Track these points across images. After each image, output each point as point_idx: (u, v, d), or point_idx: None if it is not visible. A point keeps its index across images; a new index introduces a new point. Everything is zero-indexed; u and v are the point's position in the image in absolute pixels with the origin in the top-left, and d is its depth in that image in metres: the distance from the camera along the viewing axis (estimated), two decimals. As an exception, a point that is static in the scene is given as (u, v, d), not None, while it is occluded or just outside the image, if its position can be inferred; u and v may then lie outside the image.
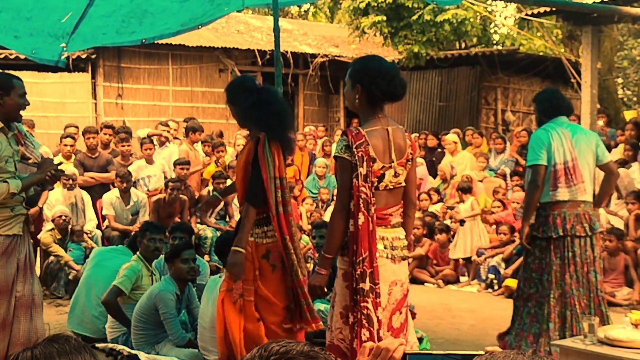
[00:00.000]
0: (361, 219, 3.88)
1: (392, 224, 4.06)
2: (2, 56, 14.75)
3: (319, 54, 18.08)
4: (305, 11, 27.31)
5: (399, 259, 4.07)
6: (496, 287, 9.22)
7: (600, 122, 11.54)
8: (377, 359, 1.67)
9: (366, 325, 3.89)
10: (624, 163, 10.33)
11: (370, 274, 3.89)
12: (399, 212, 4.11)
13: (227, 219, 10.38)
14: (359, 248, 3.90)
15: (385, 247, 4.02)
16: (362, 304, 3.89)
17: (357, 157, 3.91)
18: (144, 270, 6.28)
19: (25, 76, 14.56)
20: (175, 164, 10.01)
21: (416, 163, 4.22)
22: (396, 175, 4.02)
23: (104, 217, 9.73)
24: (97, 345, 6.19)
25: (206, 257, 9.72)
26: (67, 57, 7.06)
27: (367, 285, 3.88)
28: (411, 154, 4.09)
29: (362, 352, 1.71)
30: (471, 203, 10.18)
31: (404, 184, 4.09)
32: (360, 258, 3.90)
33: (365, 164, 3.90)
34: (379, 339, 3.78)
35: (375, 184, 3.96)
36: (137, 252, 6.43)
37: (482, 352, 1.46)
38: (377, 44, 18.61)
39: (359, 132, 3.99)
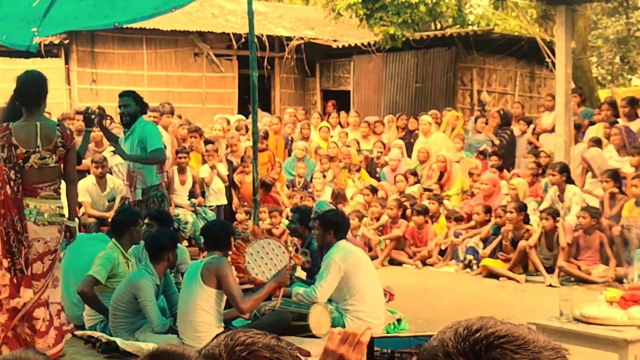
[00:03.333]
0: (8, 190, 5.11)
1: (42, 196, 5.22)
2: (-27, 42, 14.55)
3: (294, 36, 17.98)
4: (280, -7, 27.12)
5: (43, 223, 5.21)
6: (475, 267, 9.28)
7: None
8: (344, 344, 1.68)
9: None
10: (598, 142, 10.40)
11: (14, 231, 5.11)
12: (52, 188, 5.29)
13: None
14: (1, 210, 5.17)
15: (30, 213, 5.18)
16: (4, 253, 5.16)
17: (0, 145, 5.13)
18: (120, 258, 6.20)
19: (-2, 62, 14.47)
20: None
21: (74, 150, 5.44)
22: (42, 158, 5.18)
23: (80, 204, 9.64)
24: (76, 332, 6.15)
25: (185, 243, 9.69)
26: (40, 43, 6.97)
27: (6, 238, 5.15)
28: (61, 142, 5.22)
29: (330, 337, 1.72)
30: None
31: (52, 165, 5.22)
32: (6, 220, 5.13)
33: (6, 150, 5.11)
34: (12, 279, 5.16)
35: (22, 164, 5.15)
36: (113, 239, 6.34)
37: None
38: (353, 26, 18.54)
39: (6, 127, 5.20)
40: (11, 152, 5.12)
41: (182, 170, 10.19)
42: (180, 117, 13.49)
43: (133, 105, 7.12)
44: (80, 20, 7.14)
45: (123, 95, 7.22)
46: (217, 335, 5.03)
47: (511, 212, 8.96)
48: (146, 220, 6.89)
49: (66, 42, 15.36)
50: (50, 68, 15.22)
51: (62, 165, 5.36)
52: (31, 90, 5.28)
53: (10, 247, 5.16)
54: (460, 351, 1.20)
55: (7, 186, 5.13)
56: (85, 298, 6.04)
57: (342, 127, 13.95)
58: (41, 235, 5.24)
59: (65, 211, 5.53)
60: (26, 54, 11.83)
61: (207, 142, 11.14)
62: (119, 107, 7.21)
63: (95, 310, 6.08)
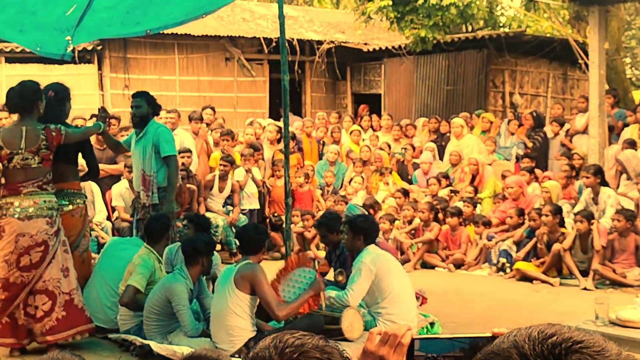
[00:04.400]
0: None
1: (24, 193, 5.62)
2: (9, 49, 14.78)
3: (325, 40, 18.02)
4: (310, -3, 27.20)
5: (28, 217, 5.60)
6: (508, 270, 9.21)
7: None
8: (385, 345, 1.67)
9: None
10: (633, 144, 10.28)
11: None
12: (36, 184, 5.66)
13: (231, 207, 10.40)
14: None
15: (15, 210, 5.58)
16: None
17: None
18: (156, 264, 6.22)
19: (33, 69, 14.72)
20: (178, 152, 9.94)
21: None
22: (25, 159, 5.62)
23: (113, 209, 9.76)
24: (110, 335, 6.22)
25: (217, 247, 9.73)
26: (73, 50, 7.06)
27: None
28: (45, 144, 5.65)
29: (369, 338, 1.70)
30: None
31: (35, 165, 5.65)
32: None
33: None
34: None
35: (7, 164, 5.63)
36: (146, 245, 6.34)
37: (488, 334, 1.46)
38: (383, 29, 18.54)
39: None
40: None
41: (223, 178, 10.26)
42: (224, 119, 13.57)
43: (145, 107, 7.13)
44: (112, 28, 7.21)
45: (136, 96, 7.27)
46: (250, 339, 5.04)
47: (547, 215, 8.87)
48: (184, 222, 6.95)
49: (99, 48, 15.55)
50: (84, 74, 15.43)
51: (48, 165, 5.77)
52: (15, 100, 5.76)
53: None
54: (538, 353, 1.18)
55: None
56: (130, 307, 6.07)
57: (373, 130, 13.94)
58: (26, 230, 5.61)
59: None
60: (60, 61, 11.99)
61: (252, 146, 11.21)
62: (131, 107, 7.23)
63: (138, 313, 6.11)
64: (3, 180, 5.81)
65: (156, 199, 7.08)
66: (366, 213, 7.51)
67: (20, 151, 5.63)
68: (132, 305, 6.06)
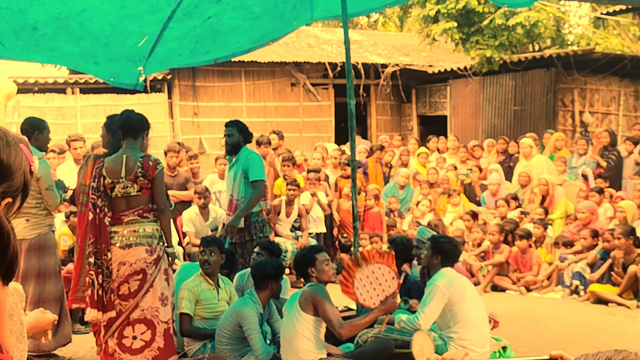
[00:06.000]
0: (90, 215, 5.73)
1: (126, 222, 5.69)
2: (83, 81, 15.25)
3: (389, 63, 18.06)
4: (374, 21, 27.34)
5: (128, 245, 5.65)
6: (582, 293, 9.00)
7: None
8: None
9: (90, 286, 5.66)
10: None
11: (95, 253, 5.66)
12: (136, 213, 5.70)
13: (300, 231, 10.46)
14: (88, 234, 5.73)
15: (117, 239, 5.67)
16: (89, 272, 5.68)
17: (93, 175, 5.80)
18: (203, 285, 6.29)
19: (105, 99, 15.16)
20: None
21: (158, 179, 5.71)
22: (125, 187, 5.68)
23: (184, 234, 9.91)
24: (182, 360, 6.30)
25: (286, 271, 9.79)
26: (145, 79, 7.27)
27: (92, 260, 5.66)
28: (141, 172, 5.66)
29: None
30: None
31: (135, 194, 5.69)
32: (90, 242, 5.69)
33: (96, 179, 5.74)
34: (99, 296, 5.64)
35: (110, 193, 5.71)
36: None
37: (546, 357, 1.46)
38: (448, 51, 18.48)
39: (101, 160, 5.86)
40: (100, 182, 5.72)
41: (289, 202, 10.35)
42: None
43: (236, 135, 7.39)
44: (182, 58, 7.39)
45: (228, 125, 7.54)
46: (320, 363, 4.97)
47: (619, 238, 8.66)
48: (257, 249, 7.05)
49: (169, 77, 15.92)
50: (154, 103, 15.81)
51: (148, 193, 5.75)
52: (136, 118, 5.87)
53: (89, 265, 5.72)
54: None
55: (91, 212, 5.71)
56: (189, 336, 6.18)
57: (439, 152, 13.86)
58: (126, 259, 5.65)
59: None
60: (132, 91, 12.33)
61: (310, 171, 11.27)
62: (224, 136, 7.54)
63: (202, 339, 6.20)
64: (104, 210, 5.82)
65: (242, 222, 7.25)
66: (449, 236, 7.47)
67: (121, 180, 5.67)
68: (191, 333, 6.15)
